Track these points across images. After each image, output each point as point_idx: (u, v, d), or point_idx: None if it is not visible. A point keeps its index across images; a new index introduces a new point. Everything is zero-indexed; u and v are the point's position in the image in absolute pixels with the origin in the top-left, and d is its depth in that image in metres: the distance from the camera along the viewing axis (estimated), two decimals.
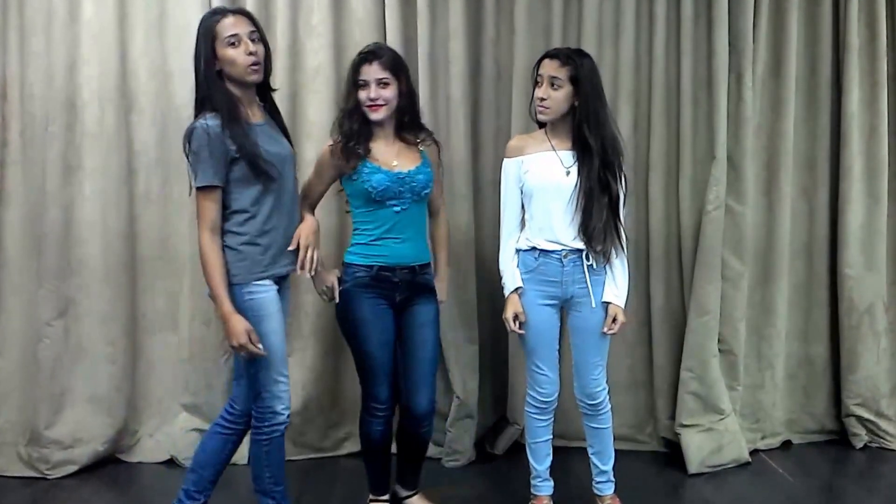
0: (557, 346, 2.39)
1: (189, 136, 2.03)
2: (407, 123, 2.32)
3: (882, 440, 3.13)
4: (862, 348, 3.11)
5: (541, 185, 2.30)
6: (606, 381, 2.41)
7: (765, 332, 3.10)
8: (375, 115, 2.25)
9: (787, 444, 3.18)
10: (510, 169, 2.37)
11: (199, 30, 2.06)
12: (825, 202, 3.14)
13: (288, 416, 2.17)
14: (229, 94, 2.06)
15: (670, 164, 3.00)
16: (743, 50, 2.91)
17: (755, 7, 2.93)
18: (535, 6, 2.93)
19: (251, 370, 2.12)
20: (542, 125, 2.38)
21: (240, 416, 2.24)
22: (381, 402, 2.32)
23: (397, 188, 2.25)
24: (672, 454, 3.01)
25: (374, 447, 2.39)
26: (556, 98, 2.26)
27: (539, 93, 2.28)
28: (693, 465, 2.89)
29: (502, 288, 2.39)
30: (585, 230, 2.27)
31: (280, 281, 2.17)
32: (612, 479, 2.47)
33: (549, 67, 2.27)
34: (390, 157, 2.28)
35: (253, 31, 2.07)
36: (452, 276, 2.91)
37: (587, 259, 2.30)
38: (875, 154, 3.09)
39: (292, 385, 2.90)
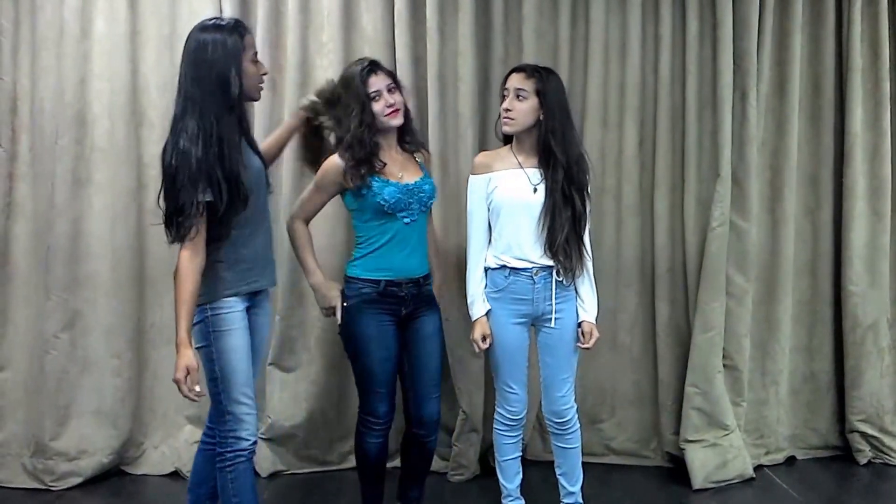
0: (527, 364, 2.39)
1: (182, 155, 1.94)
2: (407, 131, 2.36)
3: (886, 456, 3.14)
4: (866, 365, 3.12)
5: (509, 203, 2.29)
6: (575, 400, 2.40)
7: (769, 349, 3.12)
8: (396, 121, 2.28)
9: (791, 460, 3.18)
10: (478, 186, 2.34)
11: (225, 40, 1.95)
12: (829, 220, 3.17)
13: (254, 443, 2.07)
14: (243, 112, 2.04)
15: (675, 182, 3.03)
16: (747, 69, 2.94)
17: (759, 27, 2.96)
18: (542, 26, 2.96)
19: (213, 389, 2.05)
20: (507, 141, 2.38)
21: (214, 435, 2.19)
22: (379, 418, 2.32)
23: (407, 199, 2.27)
24: (676, 469, 3.02)
25: (370, 462, 2.38)
26: (521, 109, 2.27)
27: (504, 104, 2.29)
28: (697, 481, 2.89)
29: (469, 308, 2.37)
30: (552, 246, 2.27)
31: (251, 298, 2.12)
32: (581, 500, 2.44)
33: (515, 80, 2.29)
34: (395, 170, 2.30)
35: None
36: (459, 292, 2.92)
37: (557, 276, 2.30)
38: (878, 172, 3.11)
39: (297, 399, 2.96)
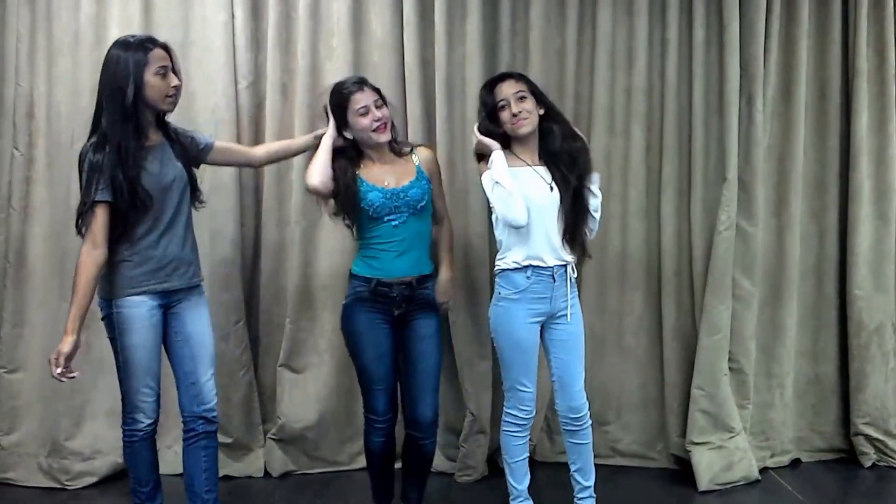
0: (537, 363, 2.44)
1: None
2: (393, 140, 2.42)
3: (890, 459, 3.15)
4: (870, 368, 3.13)
5: (531, 202, 2.33)
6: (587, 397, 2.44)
7: (775, 352, 3.13)
8: (384, 137, 2.34)
9: (796, 463, 3.20)
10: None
11: (128, 55, 2.12)
12: (834, 223, 3.18)
13: (149, 426, 2.26)
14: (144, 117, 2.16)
15: (682, 186, 3.04)
16: (754, 74, 2.96)
17: (766, 32, 2.97)
18: (549, 32, 2.98)
19: (119, 375, 2.24)
20: (506, 146, 2.41)
21: (187, 420, 2.32)
22: (376, 414, 2.38)
23: (392, 204, 2.33)
24: (682, 471, 3.04)
25: (373, 458, 2.46)
26: (529, 108, 2.35)
27: (513, 109, 2.34)
28: (703, 483, 2.91)
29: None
30: (570, 238, 2.36)
31: (167, 295, 2.22)
32: (594, 494, 2.49)
33: (508, 87, 2.36)
34: (383, 175, 2.36)
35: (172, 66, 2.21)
36: (466, 294, 2.96)
37: (573, 271, 2.38)
38: (883, 177, 3.12)
39: (307, 400, 3.00)
